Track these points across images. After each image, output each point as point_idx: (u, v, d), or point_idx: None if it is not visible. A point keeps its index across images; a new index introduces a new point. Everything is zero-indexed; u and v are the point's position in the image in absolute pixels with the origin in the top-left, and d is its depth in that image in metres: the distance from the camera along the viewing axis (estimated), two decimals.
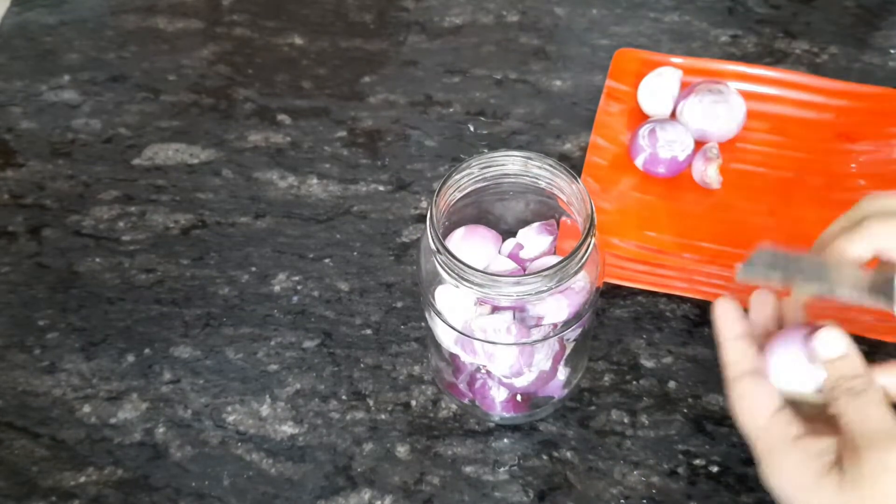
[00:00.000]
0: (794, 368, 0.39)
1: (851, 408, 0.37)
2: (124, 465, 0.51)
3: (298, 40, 0.75)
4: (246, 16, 0.77)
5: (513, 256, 0.48)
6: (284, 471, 0.50)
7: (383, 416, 0.52)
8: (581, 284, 0.44)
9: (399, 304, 0.57)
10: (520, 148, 0.64)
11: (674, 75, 0.63)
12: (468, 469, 0.50)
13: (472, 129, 0.67)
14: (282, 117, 0.69)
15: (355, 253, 0.60)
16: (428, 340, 0.53)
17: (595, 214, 0.42)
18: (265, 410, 0.53)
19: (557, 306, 0.43)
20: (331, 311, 0.57)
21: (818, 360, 0.38)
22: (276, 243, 0.61)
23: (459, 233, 0.47)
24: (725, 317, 0.41)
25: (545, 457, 0.50)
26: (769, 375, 0.39)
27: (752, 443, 0.39)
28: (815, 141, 0.62)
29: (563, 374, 0.49)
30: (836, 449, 0.37)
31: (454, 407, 0.52)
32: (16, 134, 0.69)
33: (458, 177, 0.44)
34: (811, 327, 0.39)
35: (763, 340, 0.41)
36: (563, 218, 0.48)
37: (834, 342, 0.38)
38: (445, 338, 0.46)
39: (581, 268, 0.41)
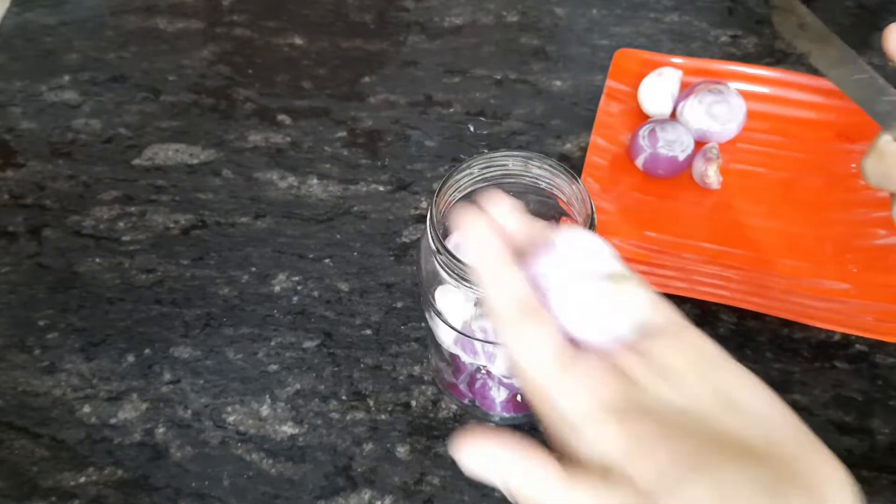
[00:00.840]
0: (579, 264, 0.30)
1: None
2: (124, 465, 0.51)
3: (298, 40, 0.75)
4: (246, 16, 0.77)
5: None
6: (284, 471, 0.50)
7: (383, 417, 0.52)
8: None
9: (399, 305, 0.57)
10: (520, 148, 0.64)
11: (674, 75, 0.63)
12: None
13: (472, 129, 0.67)
14: (282, 117, 0.69)
15: (355, 253, 0.60)
16: (428, 340, 0.53)
17: (595, 214, 0.42)
18: (265, 411, 0.53)
19: None
20: (331, 312, 0.57)
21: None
22: (276, 243, 0.61)
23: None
24: (481, 232, 0.31)
25: None
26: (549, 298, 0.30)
27: (531, 392, 0.30)
28: (815, 141, 0.62)
29: None
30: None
31: (454, 407, 0.52)
32: (16, 134, 0.69)
33: (458, 177, 0.44)
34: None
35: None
36: (563, 218, 0.48)
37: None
38: (445, 338, 0.46)
39: None
